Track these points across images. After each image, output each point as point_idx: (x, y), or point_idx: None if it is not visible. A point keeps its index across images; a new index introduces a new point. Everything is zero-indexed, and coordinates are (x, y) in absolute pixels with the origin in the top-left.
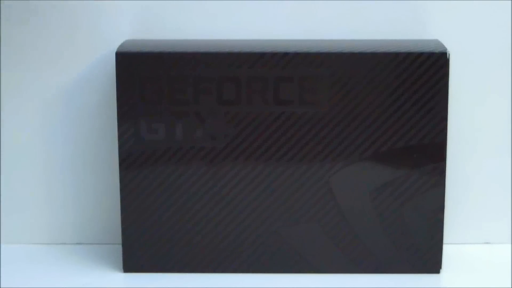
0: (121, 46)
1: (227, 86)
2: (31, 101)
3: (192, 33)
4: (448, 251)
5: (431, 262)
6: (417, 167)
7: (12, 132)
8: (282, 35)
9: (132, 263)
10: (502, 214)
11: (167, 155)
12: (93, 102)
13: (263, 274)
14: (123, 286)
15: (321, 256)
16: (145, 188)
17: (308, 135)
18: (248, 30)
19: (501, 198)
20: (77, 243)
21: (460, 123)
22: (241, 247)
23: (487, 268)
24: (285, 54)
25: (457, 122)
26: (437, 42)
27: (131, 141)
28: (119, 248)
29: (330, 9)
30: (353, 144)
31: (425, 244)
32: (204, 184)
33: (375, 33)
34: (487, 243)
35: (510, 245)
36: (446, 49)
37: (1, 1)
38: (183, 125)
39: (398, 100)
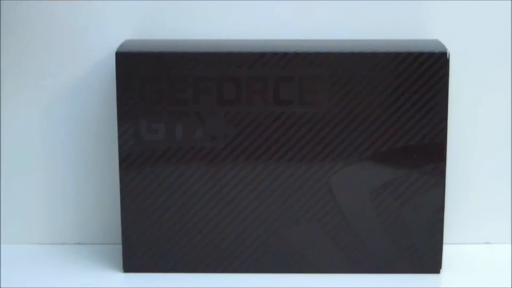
0: (121, 46)
1: (227, 86)
2: (31, 101)
3: (192, 33)
4: (448, 251)
5: (431, 262)
6: (417, 167)
7: (12, 132)
8: (282, 35)
9: (132, 263)
10: (502, 214)
11: (167, 155)
12: (93, 102)
13: (263, 274)
14: (123, 286)
15: (321, 256)
16: (145, 188)
17: (308, 135)
18: (248, 30)
19: (501, 198)
20: (77, 243)
21: (460, 123)
22: (241, 247)
23: (487, 268)
24: (285, 54)
25: (457, 122)
26: (437, 42)
27: (131, 141)
28: (119, 248)
29: (330, 9)
30: (353, 144)
31: (425, 244)
32: (204, 184)
33: (375, 33)
34: (487, 243)
35: (510, 245)
36: (446, 49)
37: (1, 1)
38: (183, 125)
39: (398, 100)
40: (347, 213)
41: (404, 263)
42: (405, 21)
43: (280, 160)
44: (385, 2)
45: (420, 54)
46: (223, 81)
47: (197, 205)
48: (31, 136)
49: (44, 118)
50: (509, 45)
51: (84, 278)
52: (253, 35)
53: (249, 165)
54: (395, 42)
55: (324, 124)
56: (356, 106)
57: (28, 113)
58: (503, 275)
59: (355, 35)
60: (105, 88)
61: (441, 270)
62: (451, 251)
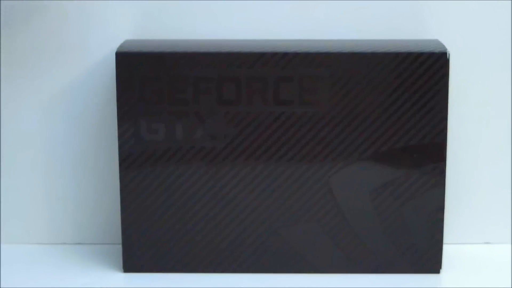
0: (121, 46)
1: (227, 86)
2: (31, 101)
3: (192, 33)
4: (448, 251)
5: (431, 262)
6: (417, 167)
7: (12, 132)
8: (282, 35)
9: (132, 263)
10: (502, 214)
11: (167, 155)
12: (93, 102)
13: (263, 274)
14: (123, 286)
15: (321, 256)
16: (145, 188)
17: (308, 135)
18: (248, 30)
19: (501, 198)
20: (77, 243)
21: (460, 123)
22: (241, 247)
23: (487, 268)
24: (285, 54)
25: (457, 122)
26: (437, 42)
27: (131, 141)
28: (119, 248)
29: (330, 9)
30: (353, 144)
31: (425, 244)
32: (204, 184)
33: (375, 33)
34: (487, 243)
35: (510, 245)
36: (446, 49)
37: (1, 1)
38: (183, 125)
39: (398, 100)
40: (347, 213)
41: (404, 263)
42: (405, 21)
43: (280, 160)
44: (385, 2)
45: (420, 54)
46: (223, 81)
47: (197, 205)
48: (31, 136)
49: (44, 118)
50: (509, 45)
51: (84, 278)
52: (253, 35)
53: (249, 165)
54: (395, 42)
55: (324, 124)
56: (356, 106)
57: (28, 113)
58: (503, 275)
59: (355, 35)
60: (105, 88)
61: (441, 270)
62: (451, 251)
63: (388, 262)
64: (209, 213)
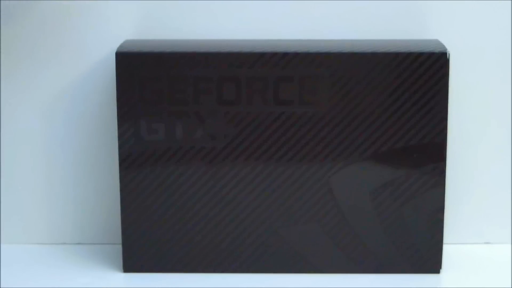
0: (121, 46)
1: (227, 86)
2: (31, 101)
3: (192, 33)
4: (448, 251)
5: (431, 262)
6: (417, 167)
7: (12, 132)
8: (282, 35)
9: (132, 263)
10: (502, 214)
11: (167, 155)
12: (93, 102)
13: (263, 274)
14: (123, 286)
15: (321, 256)
16: (145, 188)
17: (308, 135)
18: (248, 30)
19: (501, 198)
20: (77, 243)
21: (460, 123)
22: (241, 247)
23: (487, 268)
24: (285, 54)
25: (457, 122)
26: (437, 42)
27: (131, 141)
28: (119, 248)
29: (330, 8)
30: (353, 144)
31: (425, 244)
32: (204, 184)
33: (375, 33)
34: (487, 243)
35: (510, 245)
36: (446, 49)
37: (1, 1)
38: (183, 125)
39: (398, 100)
40: (347, 213)
41: (404, 263)
42: (405, 21)
43: (280, 160)
44: (385, 2)
45: (420, 54)
46: (223, 81)
47: (197, 205)
48: (31, 136)
49: (44, 118)
50: (509, 45)
51: (84, 278)
52: (253, 35)
53: (249, 165)
54: (395, 42)
55: (324, 124)
56: (356, 106)
57: (28, 113)
58: (503, 275)
59: (355, 35)
60: (105, 88)
61: (441, 270)
62: (451, 251)
63: (388, 262)
64: (209, 213)
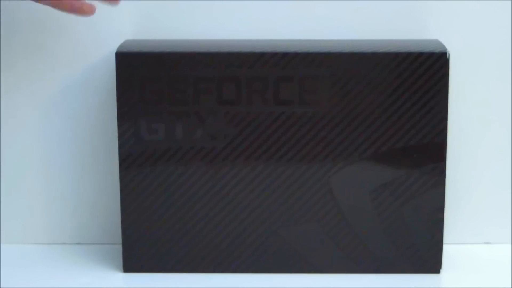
0: (121, 46)
1: (227, 86)
2: (31, 101)
3: (192, 33)
4: (448, 251)
5: (431, 262)
6: (417, 167)
7: (12, 132)
8: (282, 35)
9: (132, 263)
10: (502, 214)
11: (167, 155)
12: (93, 102)
13: (263, 274)
14: (123, 286)
15: (321, 256)
16: (145, 188)
17: (308, 135)
18: (248, 30)
19: (501, 198)
20: (77, 243)
21: (460, 123)
22: (241, 247)
23: (487, 268)
24: (285, 54)
25: (457, 122)
26: (437, 42)
27: (131, 141)
28: (119, 248)
29: (330, 8)
30: (353, 144)
31: (425, 244)
32: (204, 184)
33: (375, 33)
34: (487, 243)
35: (510, 245)
36: (446, 49)
37: (1, 1)
38: (183, 125)
39: (398, 100)
40: (347, 213)
41: (404, 263)
42: (405, 21)
43: (280, 160)
44: (385, 2)
45: (420, 54)
46: (223, 81)
47: (197, 205)
48: (31, 136)
49: (44, 118)
50: (509, 45)
51: (84, 278)
52: (253, 35)
53: (249, 165)
54: (395, 42)
55: (324, 124)
56: (356, 106)
57: (28, 113)
58: (503, 275)
59: (355, 35)
60: (105, 88)
61: (441, 270)
62: (451, 251)
63: (388, 262)
64: (209, 213)
